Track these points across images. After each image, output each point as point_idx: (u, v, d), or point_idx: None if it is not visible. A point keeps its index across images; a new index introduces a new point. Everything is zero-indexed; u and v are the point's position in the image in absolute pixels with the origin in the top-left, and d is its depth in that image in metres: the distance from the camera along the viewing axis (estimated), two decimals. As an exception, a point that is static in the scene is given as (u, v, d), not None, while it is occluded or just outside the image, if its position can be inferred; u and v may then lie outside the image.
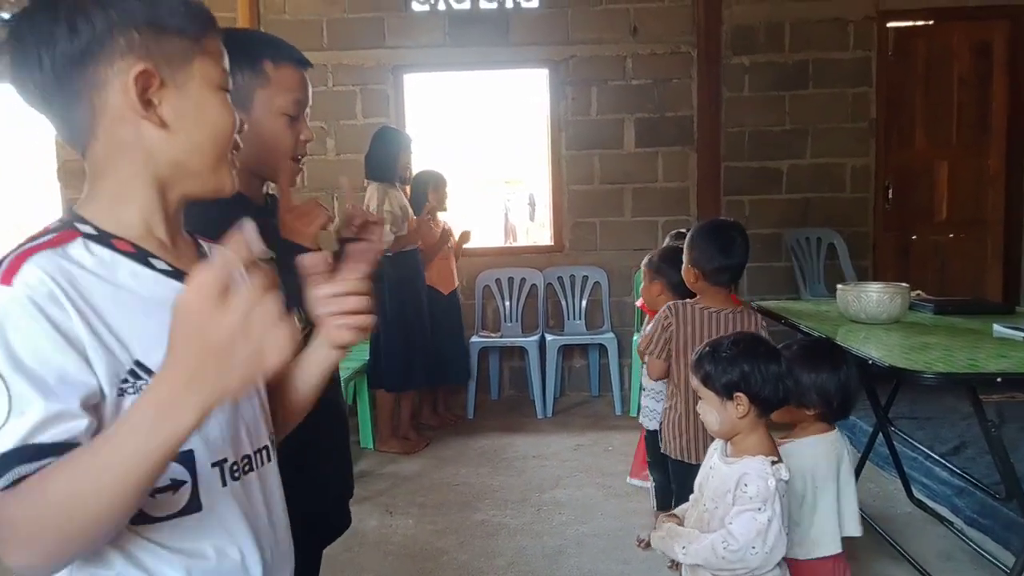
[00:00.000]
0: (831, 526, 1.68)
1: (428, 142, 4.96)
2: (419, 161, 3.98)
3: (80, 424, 0.67)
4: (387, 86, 4.63)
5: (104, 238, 0.76)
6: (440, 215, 4.17)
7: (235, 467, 0.82)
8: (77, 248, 0.74)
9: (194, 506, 0.77)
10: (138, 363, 0.73)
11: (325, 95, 4.52)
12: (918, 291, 2.88)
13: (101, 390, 0.70)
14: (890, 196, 4.69)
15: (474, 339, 4.46)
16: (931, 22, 4.67)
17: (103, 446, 0.64)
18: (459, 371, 4.24)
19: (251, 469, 0.84)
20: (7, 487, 0.64)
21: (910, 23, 4.66)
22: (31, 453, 0.65)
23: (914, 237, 4.76)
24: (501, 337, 4.56)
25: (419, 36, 4.58)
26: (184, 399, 0.60)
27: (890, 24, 4.58)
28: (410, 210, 3.80)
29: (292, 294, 1.21)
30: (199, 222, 0.88)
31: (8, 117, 4.94)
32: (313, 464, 1.21)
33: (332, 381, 1.30)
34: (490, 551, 2.71)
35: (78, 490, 0.63)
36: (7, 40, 0.74)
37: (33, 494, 0.64)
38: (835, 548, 1.67)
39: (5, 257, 0.70)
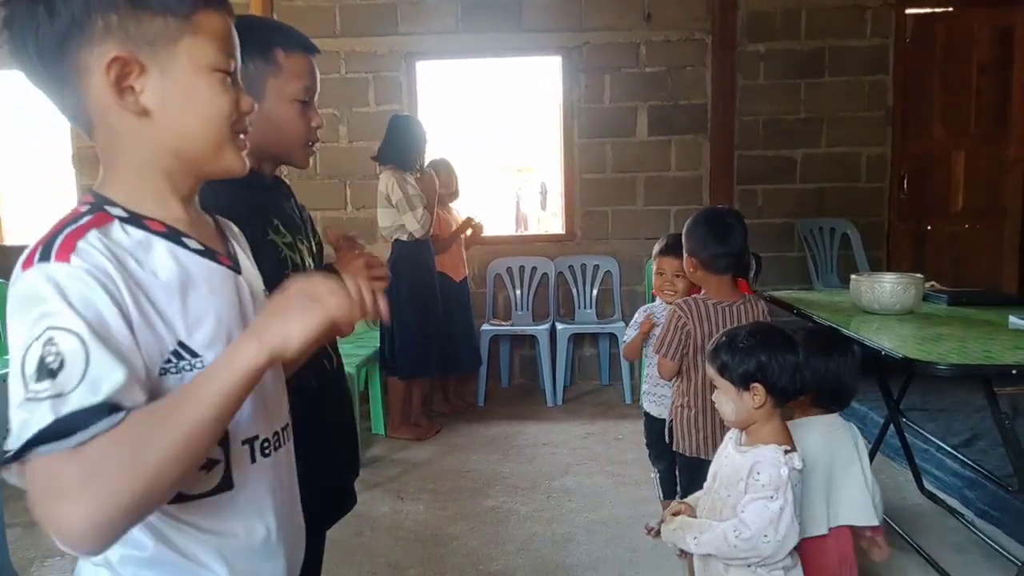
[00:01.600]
0: (861, 497, 1.66)
1: (440, 130, 4.95)
2: (431, 149, 3.97)
3: (143, 396, 0.68)
4: (400, 73, 4.62)
5: (136, 219, 0.76)
6: (452, 204, 4.17)
7: (265, 444, 0.83)
8: (116, 230, 0.74)
9: (226, 484, 0.78)
10: (181, 343, 0.74)
11: (338, 82, 4.52)
12: (932, 282, 2.86)
13: (145, 370, 0.70)
14: (906, 186, 4.65)
15: (485, 327, 4.47)
16: (950, 8, 4.60)
17: (191, 387, 0.68)
18: (469, 359, 4.25)
19: (280, 446, 0.86)
20: (87, 440, 0.63)
21: (929, 9, 4.59)
22: (111, 410, 0.65)
23: (929, 227, 4.71)
24: (512, 325, 4.57)
25: (432, 23, 4.56)
26: (275, 328, 0.69)
27: (908, 10, 4.52)
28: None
29: None
30: (203, 197, 0.89)
31: (22, 104, 4.98)
32: (322, 446, 1.23)
33: (333, 365, 1.31)
34: (500, 537, 2.73)
35: (162, 432, 0.65)
36: (4, 24, 0.73)
37: (128, 439, 0.64)
38: (869, 518, 1.66)
39: (53, 238, 0.70)
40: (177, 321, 0.74)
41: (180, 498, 0.75)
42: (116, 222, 0.74)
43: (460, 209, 4.36)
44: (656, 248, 2.57)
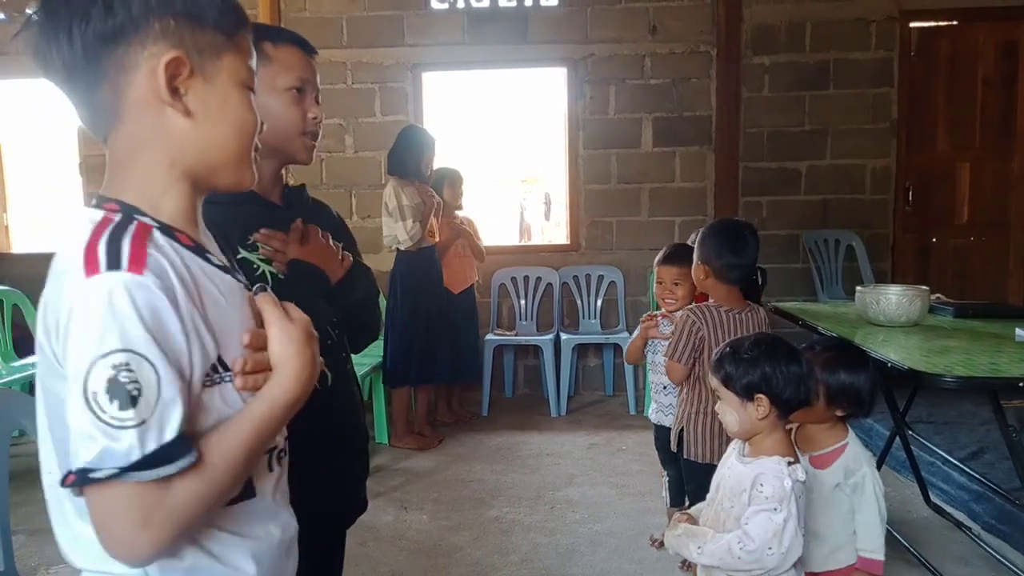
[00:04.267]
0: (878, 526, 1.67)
1: (446, 140, 4.97)
2: (437, 159, 3.99)
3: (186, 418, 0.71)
4: (406, 84, 4.64)
5: (168, 231, 0.76)
6: (457, 213, 4.18)
7: (281, 453, 0.87)
8: (160, 240, 0.74)
9: (249, 493, 0.81)
10: (219, 358, 0.76)
11: (344, 93, 4.55)
12: (938, 294, 2.85)
13: (192, 377, 0.73)
14: (910, 198, 4.65)
15: (489, 337, 4.47)
16: (955, 22, 4.62)
17: (254, 423, 0.75)
18: (471, 369, 4.24)
19: (286, 454, 0.89)
20: (172, 475, 0.67)
21: (933, 23, 4.61)
22: (186, 441, 0.69)
23: (934, 240, 4.71)
24: (516, 335, 4.57)
25: (438, 34, 4.59)
26: (308, 387, 0.79)
27: (913, 24, 4.54)
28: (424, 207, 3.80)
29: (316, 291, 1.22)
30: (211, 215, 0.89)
31: (30, 112, 5.02)
32: (328, 453, 1.23)
33: (348, 373, 1.31)
34: (504, 548, 2.72)
35: (236, 464, 0.73)
36: (38, 10, 0.74)
37: (204, 475, 0.69)
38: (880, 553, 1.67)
39: (118, 241, 0.70)
40: (216, 334, 0.76)
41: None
42: (156, 231, 0.75)
43: (465, 219, 4.36)
44: (657, 258, 2.60)
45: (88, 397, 0.65)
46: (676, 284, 2.46)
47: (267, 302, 0.81)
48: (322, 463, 1.20)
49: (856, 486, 1.64)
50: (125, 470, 0.65)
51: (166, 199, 0.79)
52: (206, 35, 0.78)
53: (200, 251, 0.79)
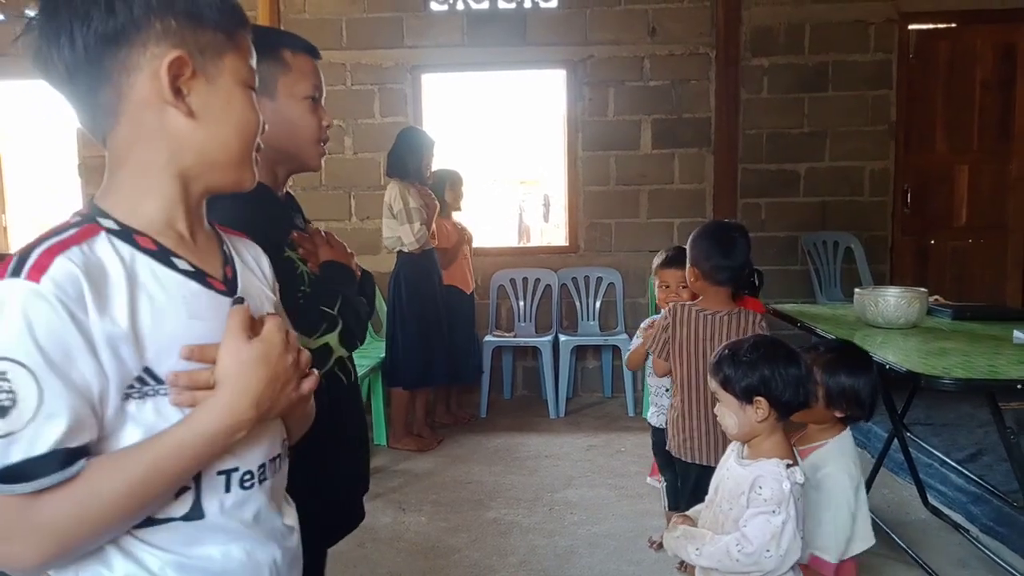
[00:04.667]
0: (868, 518, 1.69)
1: (445, 142, 4.97)
2: (436, 161, 3.99)
3: (95, 428, 0.69)
4: (405, 85, 4.65)
5: (126, 234, 0.75)
6: (455, 214, 4.19)
7: (247, 476, 0.80)
8: (101, 244, 0.72)
9: (196, 514, 0.76)
10: (147, 369, 0.72)
11: (344, 94, 4.55)
12: (936, 296, 2.86)
13: (106, 393, 0.70)
14: (909, 200, 4.65)
15: (488, 338, 4.47)
16: (953, 25, 4.62)
17: (163, 448, 0.70)
18: (472, 370, 4.25)
19: (265, 478, 0.83)
20: (40, 491, 0.65)
21: (932, 25, 4.61)
22: (64, 457, 0.66)
23: (932, 242, 4.71)
24: (515, 337, 4.57)
25: (437, 36, 4.59)
26: (248, 415, 0.74)
27: (911, 26, 4.54)
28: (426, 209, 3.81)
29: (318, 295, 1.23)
30: (222, 210, 0.89)
31: (29, 113, 5.02)
32: (330, 459, 1.23)
33: (350, 379, 1.32)
34: (502, 549, 2.72)
35: (130, 489, 0.69)
36: (38, 13, 0.73)
37: (80, 496, 0.66)
38: (872, 540, 1.69)
39: (30, 250, 0.69)
40: (148, 345, 0.72)
41: (148, 521, 0.74)
42: (104, 235, 0.73)
43: (463, 220, 4.37)
44: (656, 261, 2.60)
45: None
46: (683, 287, 2.46)
47: (233, 315, 0.76)
48: (326, 467, 1.19)
49: (818, 484, 1.65)
50: None
51: (148, 200, 0.77)
52: (207, 35, 0.77)
53: (163, 255, 0.76)
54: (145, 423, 0.72)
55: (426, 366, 3.73)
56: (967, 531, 2.73)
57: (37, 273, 0.67)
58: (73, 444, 0.66)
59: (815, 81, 4.52)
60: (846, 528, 1.64)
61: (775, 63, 4.52)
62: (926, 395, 2.99)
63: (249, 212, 0.93)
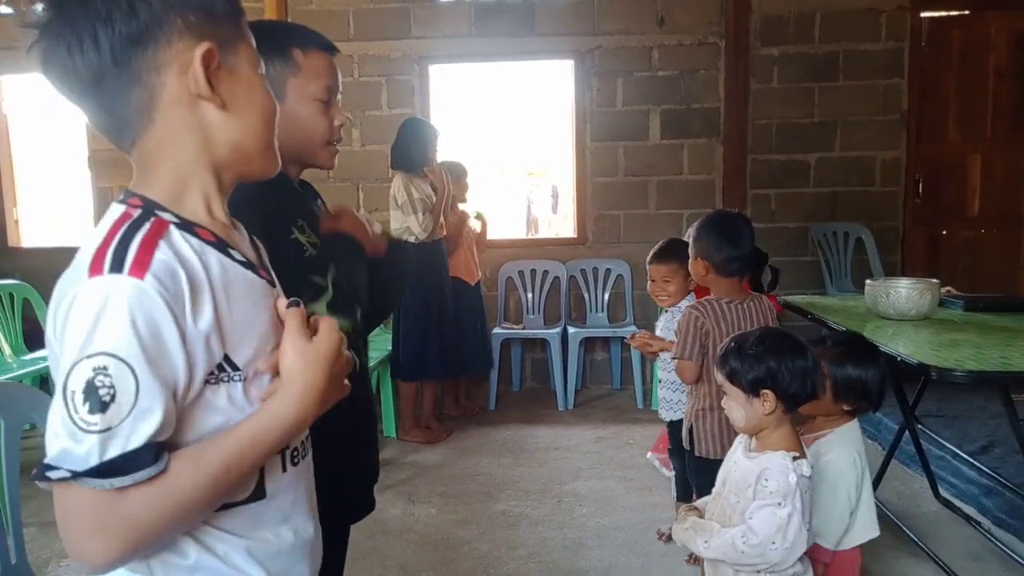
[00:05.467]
0: (872, 509, 1.69)
1: (452, 133, 4.97)
2: (443, 152, 3.99)
3: (175, 421, 0.71)
4: (412, 77, 4.64)
5: (187, 227, 0.75)
6: (460, 206, 4.18)
7: (295, 453, 0.85)
8: (176, 237, 0.73)
9: (259, 493, 0.80)
10: (227, 357, 0.75)
11: (351, 86, 4.54)
12: (948, 287, 2.83)
13: (191, 384, 0.72)
14: (920, 190, 4.61)
15: (496, 330, 4.47)
16: (966, 12, 4.56)
17: (241, 440, 0.73)
18: (480, 361, 4.25)
19: (305, 454, 0.88)
20: (130, 486, 0.66)
21: (944, 13, 4.55)
22: (155, 452, 0.68)
23: (944, 232, 4.67)
24: (523, 329, 4.57)
25: (445, 27, 4.58)
26: (315, 409, 0.78)
27: (924, 14, 4.48)
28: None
29: (348, 277, 1.23)
30: (243, 200, 0.90)
31: (39, 107, 5.04)
32: (340, 449, 1.23)
33: (359, 370, 1.32)
34: (511, 541, 2.73)
35: (211, 481, 0.71)
36: (50, 21, 0.72)
37: (167, 489, 0.68)
38: (875, 531, 1.68)
39: (124, 245, 0.69)
40: (227, 334, 0.75)
41: (222, 506, 0.77)
42: (173, 228, 0.74)
43: (469, 211, 4.36)
44: (648, 256, 2.62)
45: (66, 395, 0.65)
46: (667, 281, 2.53)
47: (290, 316, 0.79)
48: (335, 454, 1.20)
49: (820, 470, 1.64)
50: (78, 475, 0.65)
51: (191, 194, 0.78)
52: (224, 25, 0.78)
53: (222, 247, 0.78)
54: (220, 409, 0.75)
55: (422, 358, 3.73)
56: (979, 524, 2.72)
57: (140, 269, 0.68)
58: (161, 438, 0.68)
59: (826, 70, 4.47)
60: (844, 515, 1.63)
61: (785, 52, 4.47)
62: (937, 387, 2.97)
63: (251, 195, 0.93)
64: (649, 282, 2.61)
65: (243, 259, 0.80)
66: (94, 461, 0.65)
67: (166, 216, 0.75)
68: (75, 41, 0.71)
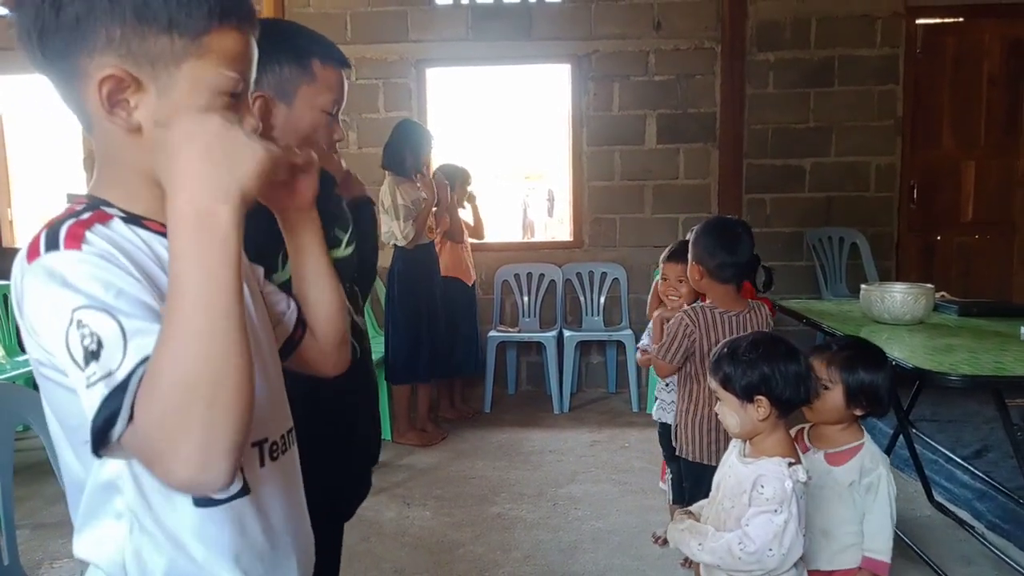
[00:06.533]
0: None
1: (449, 137, 4.97)
2: (440, 156, 3.99)
3: None
4: (410, 80, 4.64)
5: (135, 220, 0.74)
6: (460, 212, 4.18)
7: (274, 447, 0.83)
8: (118, 226, 0.72)
9: (244, 490, 0.77)
10: None
11: (348, 88, 4.53)
12: (942, 292, 2.85)
13: None
14: (915, 196, 4.63)
15: (492, 333, 4.47)
16: (961, 19, 4.59)
17: (176, 300, 0.63)
18: (470, 363, 4.24)
19: (286, 448, 0.86)
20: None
21: (939, 20, 4.58)
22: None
23: (939, 238, 4.70)
24: (519, 332, 4.57)
25: (442, 30, 4.58)
26: (214, 202, 0.64)
27: (919, 20, 4.51)
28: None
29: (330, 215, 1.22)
30: None
31: (34, 107, 5.03)
32: (348, 426, 1.23)
33: (363, 350, 1.30)
34: (506, 544, 2.72)
35: (185, 352, 0.62)
36: (14, 8, 0.72)
37: (154, 384, 0.62)
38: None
39: (56, 228, 0.68)
40: None
41: (207, 502, 0.74)
42: (116, 220, 0.73)
43: (466, 216, 4.36)
44: (663, 254, 2.59)
45: (81, 367, 0.64)
46: (680, 281, 2.45)
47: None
48: (333, 449, 1.20)
49: (870, 486, 1.63)
50: (110, 424, 0.62)
51: (141, 196, 0.76)
52: (160, 43, 0.70)
53: None
54: None
55: (413, 361, 3.72)
56: (972, 528, 2.73)
57: (75, 242, 0.67)
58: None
59: (821, 76, 4.49)
60: (894, 528, 1.64)
61: (781, 58, 4.49)
62: (932, 391, 2.99)
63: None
64: (661, 280, 2.54)
65: None
66: (116, 405, 0.62)
67: (112, 211, 0.73)
68: (23, 31, 0.71)
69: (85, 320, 0.64)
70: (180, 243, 0.64)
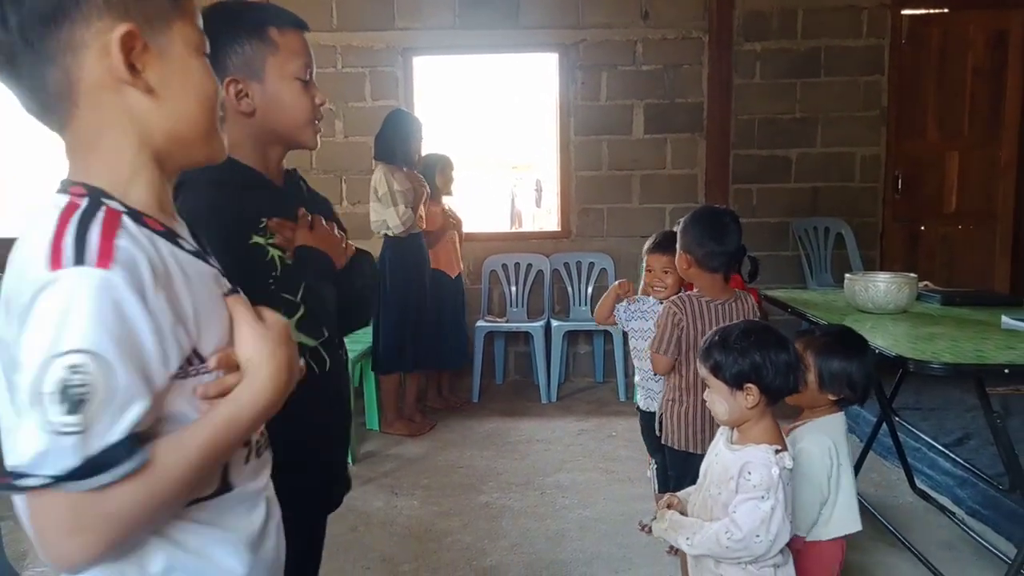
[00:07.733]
0: (853, 503, 1.68)
1: (436, 126, 4.94)
2: (427, 145, 3.97)
3: (153, 416, 0.68)
4: (396, 68, 4.61)
5: (136, 216, 0.71)
6: (445, 199, 4.17)
7: (258, 444, 0.84)
8: (131, 227, 0.69)
9: (224, 488, 0.78)
10: (195, 350, 0.72)
11: (334, 77, 4.51)
12: (926, 282, 2.87)
13: (167, 368, 0.69)
14: (900, 186, 4.67)
15: (480, 323, 4.47)
16: (946, 10, 4.62)
17: (218, 426, 0.71)
18: (456, 355, 4.24)
19: (267, 446, 0.87)
20: (111, 483, 0.64)
21: (924, 11, 4.61)
22: (134, 443, 0.65)
23: (923, 228, 4.74)
24: (507, 322, 4.57)
25: (429, 18, 4.55)
26: (286, 389, 0.77)
27: (904, 12, 4.53)
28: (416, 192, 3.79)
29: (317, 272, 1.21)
30: (183, 200, 0.88)
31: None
32: (321, 438, 1.23)
33: (324, 368, 1.27)
34: (494, 533, 2.74)
35: (189, 468, 0.69)
36: None
37: (148, 480, 0.65)
38: (856, 526, 1.68)
39: (80, 232, 0.66)
40: (191, 326, 0.72)
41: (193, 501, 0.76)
42: (125, 218, 0.70)
43: (454, 205, 4.35)
44: (646, 245, 2.58)
45: (37, 396, 0.61)
46: (665, 272, 2.46)
47: (237, 303, 0.78)
48: (313, 449, 1.20)
49: (795, 459, 1.65)
50: (59, 479, 0.61)
51: (135, 183, 0.74)
52: (152, 3, 0.72)
53: (171, 236, 0.75)
54: (189, 401, 0.72)
55: (399, 352, 3.72)
56: (953, 514, 2.77)
57: (106, 259, 0.64)
58: (140, 429, 0.66)
59: (807, 66, 4.51)
60: (814, 504, 1.63)
61: (768, 48, 4.50)
62: (915, 380, 3.02)
63: (204, 202, 0.90)
64: (646, 272, 2.54)
65: (192, 247, 0.77)
66: (75, 462, 0.61)
67: (114, 205, 0.71)
68: None
69: (83, 366, 0.62)
70: (239, 420, 0.73)
